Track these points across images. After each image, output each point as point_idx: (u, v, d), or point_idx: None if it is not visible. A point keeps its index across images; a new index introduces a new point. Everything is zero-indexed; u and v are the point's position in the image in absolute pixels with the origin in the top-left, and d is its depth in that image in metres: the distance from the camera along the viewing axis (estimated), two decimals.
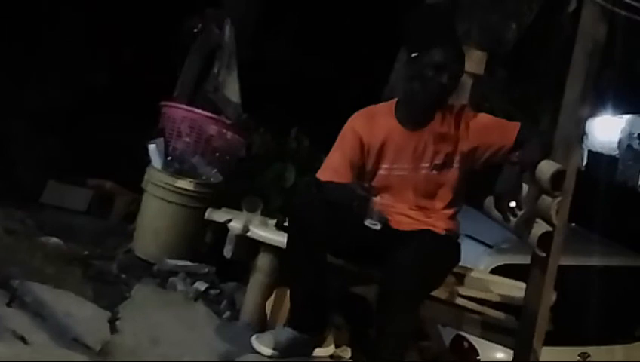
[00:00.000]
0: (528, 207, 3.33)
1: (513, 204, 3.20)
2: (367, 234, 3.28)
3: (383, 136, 3.50)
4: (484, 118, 3.54)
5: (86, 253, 4.97)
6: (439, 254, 3.39)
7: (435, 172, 3.50)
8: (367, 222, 3.22)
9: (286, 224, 4.29)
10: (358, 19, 8.29)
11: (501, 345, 3.86)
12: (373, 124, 3.54)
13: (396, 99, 3.61)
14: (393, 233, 3.46)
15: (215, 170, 5.33)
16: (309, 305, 3.49)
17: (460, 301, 3.70)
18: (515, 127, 3.43)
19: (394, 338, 3.21)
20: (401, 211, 3.52)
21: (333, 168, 3.53)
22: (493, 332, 3.75)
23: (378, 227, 3.23)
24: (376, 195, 3.29)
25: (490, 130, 3.46)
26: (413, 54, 3.48)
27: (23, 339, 3.39)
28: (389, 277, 3.21)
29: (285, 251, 3.59)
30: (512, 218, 3.24)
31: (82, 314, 3.92)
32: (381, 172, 3.54)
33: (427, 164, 3.49)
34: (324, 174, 3.55)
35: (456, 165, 3.50)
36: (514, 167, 3.26)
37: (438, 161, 3.49)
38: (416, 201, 3.54)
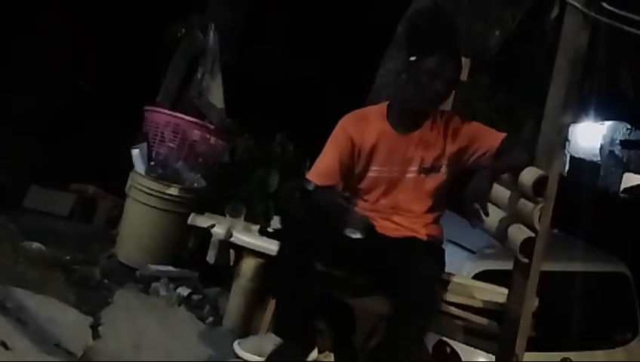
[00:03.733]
0: (509, 213, 3.36)
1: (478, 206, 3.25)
2: (353, 240, 3.29)
3: (374, 139, 3.52)
4: (472, 124, 3.58)
5: (68, 258, 4.96)
6: (429, 264, 3.40)
7: (423, 175, 3.52)
8: (347, 231, 3.23)
9: (270, 229, 4.30)
10: (342, 24, 8.30)
11: (483, 350, 3.86)
12: (364, 126, 3.55)
13: (387, 103, 3.63)
14: (378, 238, 3.46)
15: (198, 175, 5.32)
16: (297, 313, 3.47)
17: (443, 306, 3.71)
18: (500, 135, 3.48)
19: (410, 347, 3.31)
20: (385, 216, 3.53)
21: (323, 171, 3.54)
22: (476, 337, 3.75)
23: (358, 236, 3.24)
24: (355, 205, 3.29)
25: (477, 136, 3.50)
26: (412, 58, 3.51)
27: (4, 345, 3.38)
28: (407, 291, 3.24)
29: (277, 260, 3.56)
30: (477, 221, 3.28)
31: (64, 319, 3.91)
32: (370, 174, 3.56)
33: (416, 168, 3.52)
34: (314, 176, 3.56)
35: (443, 170, 3.53)
36: (484, 172, 3.31)
37: (426, 165, 3.52)
38: (401, 204, 3.55)
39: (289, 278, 3.43)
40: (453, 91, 3.89)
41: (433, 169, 3.53)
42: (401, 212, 3.56)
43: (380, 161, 3.53)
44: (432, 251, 3.50)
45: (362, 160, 3.54)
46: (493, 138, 3.48)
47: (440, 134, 3.52)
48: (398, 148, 3.52)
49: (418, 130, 3.52)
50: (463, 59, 4.13)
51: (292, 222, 3.46)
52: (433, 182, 3.55)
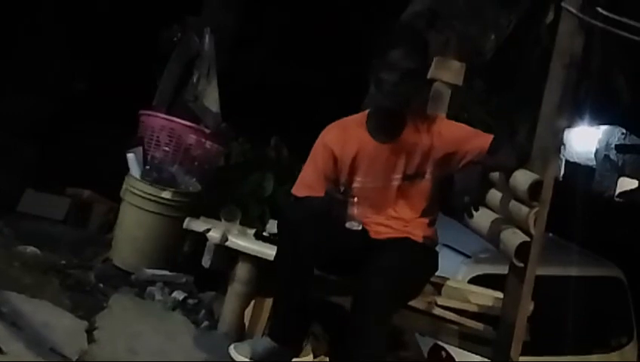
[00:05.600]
0: (501, 215, 3.36)
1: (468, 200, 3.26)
2: (348, 245, 3.30)
3: (355, 149, 3.49)
4: (457, 127, 3.56)
5: (63, 262, 4.95)
6: (417, 260, 3.40)
7: (407, 182, 3.50)
8: (348, 225, 3.23)
9: (266, 233, 4.29)
10: (338, 28, 8.30)
11: (479, 354, 3.86)
12: (345, 136, 3.53)
13: (367, 111, 3.61)
14: (373, 242, 3.46)
15: (194, 179, 5.32)
16: (293, 318, 3.47)
17: (438, 311, 3.71)
18: (488, 137, 3.45)
19: (369, 342, 3.20)
20: (378, 221, 3.53)
21: (308, 184, 3.53)
22: (471, 341, 3.76)
23: (360, 228, 3.25)
24: (353, 197, 3.28)
25: (464, 140, 3.47)
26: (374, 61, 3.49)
27: None
28: (367, 280, 3.21)
29: (274, 264, 3.56)
30: (466, 216, 3.28)
31: (59, 323, 3.90)
32: (355, 185, 3.52)
33: (399, 175, 3.49)
34: (298, 190, 3.56)
35: (428, 175, 3.50)
36: (475, 167, 3.30)
37: (409, 172, 3.49)
38: (391, 212, 3.54)
39: (285, 283, 3.43)
40: (448, 96, 3.90)
41: (417, 175, 3.50)
42: (392, 218, 3.55)
43: (363, 172, 3.51)
44: (424, 251, 3.50)
45: (345, 172, 3.51)
46: (482, 140, 3.45)
47: (424, 139, 3.47)
48: (379, 157, 3.49)
49: (399, 136, 3.50)
50: (459, 63, 4.14)
51: (289, 227, 3.44)
52: (419, 188, 3.51)
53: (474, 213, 3.28)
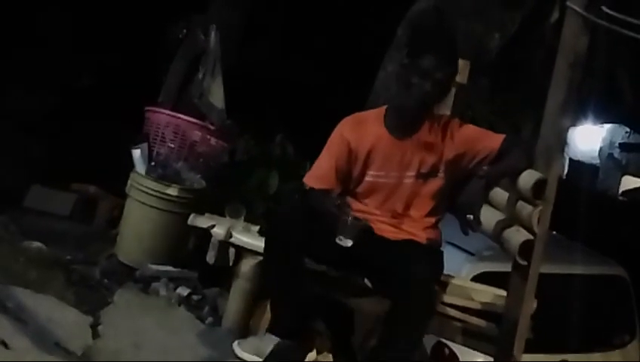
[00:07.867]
0: (505, 213, 3.37)
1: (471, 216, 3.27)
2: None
3: (370, 143, 3.53)
4: (469, 128, 3.58)
5: (69, 257, 4.96)
6: (424, 264, 3.41)
7: (420, 180, 3.53)
8: (337, 240, 3.25)
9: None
10: (343, 25, 8.31)
11: (482, 352, 3.87)
12: (361, 130, 3.57)
13: (386, 107, 3.64)
14: (376, 240, 3.48)
15: (198, 176, 5.33)
16: (288, 310, 3.50)
17: (441, 308, 3.72)
18: (499, 138, 3.47)
19: (407, 351, 3.28)
20: (383, 219, 3.55)
21: (319, 174, 3.58)
22: (475, 339, 3.76)
23: (348, 244, 3.26)
24: (348, 213, 3.30)
25: (475, 141, 3.50)
26: (404, 61, 3.54)
27: (4, 344, 3.38)
28: (406, 294, 3.22)
29: (263, 257, 3.61)
30: (469, 230, 3.30)
31: (64, 318, 3.91)
32: (367, 178, 3.57)
33: (413, 173, 3.52)
34: (309, 180, 3.60)
35: (441, 175, 3.53)
36: (479, 182, 3.32)
37: (424, 170, 3.52)
38: (399, 209, 3.56)
39: (273, 275, 3.48)
40: (452, 94, 3.91)
41: (431, 174, 3.53)
42: (399, 216, 3.57)
43: (377, 166, 3.54)
44: (430, 253, 3.51)
45: (359, 164, 3.55)
46: (493, 141, 3.48)
47: (438, 139, 3.52)
48: (394, 153, 3.53)
49: (415, 134, 3.53)
50: (463, 61, 4.14)
51: (277, 220, 3.48)
52: (431, 187, 3.55)
53: (479, 223, 3.30)
